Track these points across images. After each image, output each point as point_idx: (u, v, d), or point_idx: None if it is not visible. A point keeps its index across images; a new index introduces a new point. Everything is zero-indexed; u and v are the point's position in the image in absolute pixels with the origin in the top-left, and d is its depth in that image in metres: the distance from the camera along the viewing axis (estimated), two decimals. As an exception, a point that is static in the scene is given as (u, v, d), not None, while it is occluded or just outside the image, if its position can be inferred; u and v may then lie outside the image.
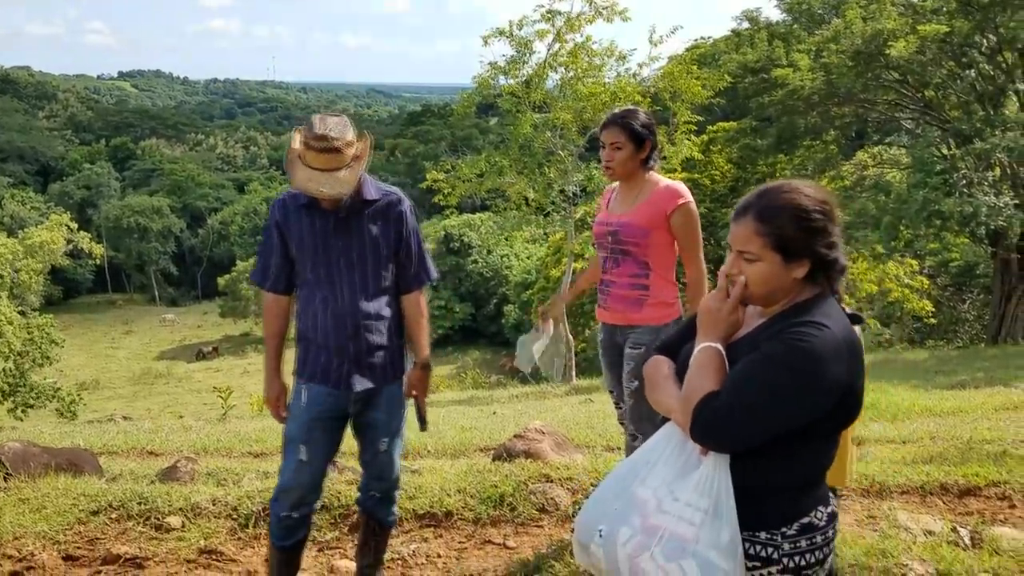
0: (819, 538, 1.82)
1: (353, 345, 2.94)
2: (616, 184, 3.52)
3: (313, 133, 2.75)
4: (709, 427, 1.75)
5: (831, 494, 1.90)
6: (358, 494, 3.26)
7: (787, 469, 1.81)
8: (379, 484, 3.16)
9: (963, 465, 4.44)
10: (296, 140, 2.82)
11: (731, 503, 1.75)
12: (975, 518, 3.81)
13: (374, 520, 3.22)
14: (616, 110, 3.40)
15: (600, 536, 1.86)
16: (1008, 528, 3.60)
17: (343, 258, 2.93)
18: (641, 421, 3.26)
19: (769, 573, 1.81)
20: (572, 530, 3.70)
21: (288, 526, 3.01)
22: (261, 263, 3.03)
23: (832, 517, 1.86)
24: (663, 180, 3.37)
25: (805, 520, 1.81)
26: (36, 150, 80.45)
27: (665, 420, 1.94)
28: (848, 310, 1.88)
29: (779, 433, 1.74)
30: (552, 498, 3.95)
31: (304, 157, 2.78)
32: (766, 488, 1.80)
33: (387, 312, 3.02)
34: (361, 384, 2.98)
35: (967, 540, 3.48)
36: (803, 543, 1.81)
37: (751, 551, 1.80)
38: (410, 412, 3.19)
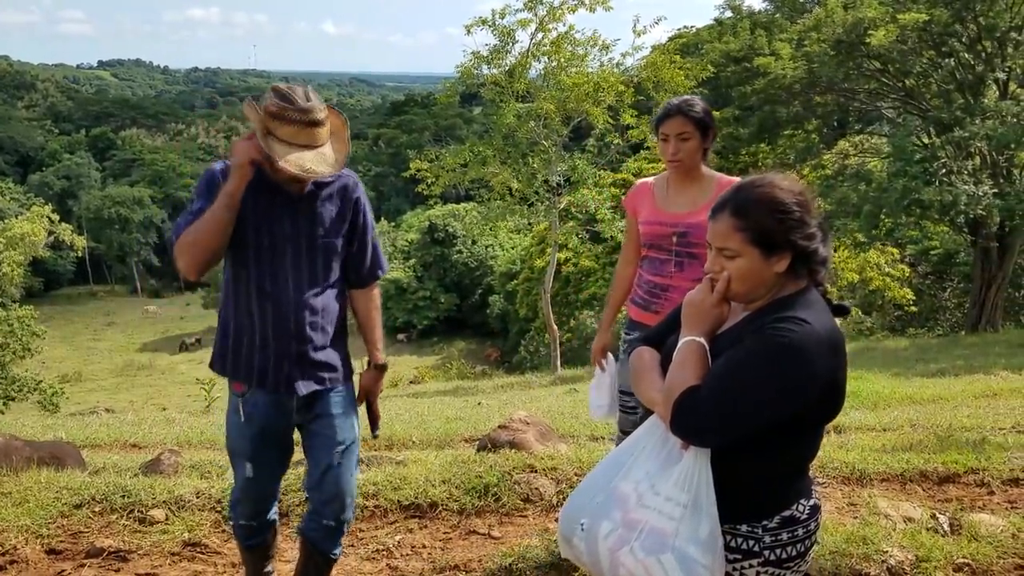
0: (800, 531, 1.83)
1: (296, 344, 2.60)
2: (651, 180, 3.35)
3: (295, 105, 2.40)
4: (689, 422, 1.75)
5: (813, 487, 1.91)
6: (302, 521, 2.85)
7: (768, 463, 1.81)
8: (331, 509, 2.72)
9: (942, 452, 4.50)
10: (257, 111, 2.43)
11: (711, 497, 1.76)
12: (954, 505, 3.86)
13: (319, 554, 2.80)
14: (674, 100, 3.19)
15: (582, 529, 1.88)
16: (986, 515, 3.64)
17: (290, 245, 2.57)
18: None
19: (750, 566, 1.81)
20: (557, 521, 3.73)
21: (249, 531, 2.85)
22: (188, 218, 2.50)
23: (814, 510, 1.87)
24: (720, 174, 3.23)
25: (787, 513, 1.82)
26: (15, 140, 79.59)
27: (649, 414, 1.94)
28: (835, 301, 1.88)
29: (759, 428, 1.74)
30: (536, 488, 3.97)
31: (278, 132, 2.41)
32: (747, 481, 1.81)
33: (335, 307, 2.70)
34: (306, 387, 2.64)
35: (946, 527, 3.52)
36: (784, 536, 1.81)
37: (732, 544, 1.81)
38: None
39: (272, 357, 2.60)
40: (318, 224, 2.61)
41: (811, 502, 1.86)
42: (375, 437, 2.97)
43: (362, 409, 2.90)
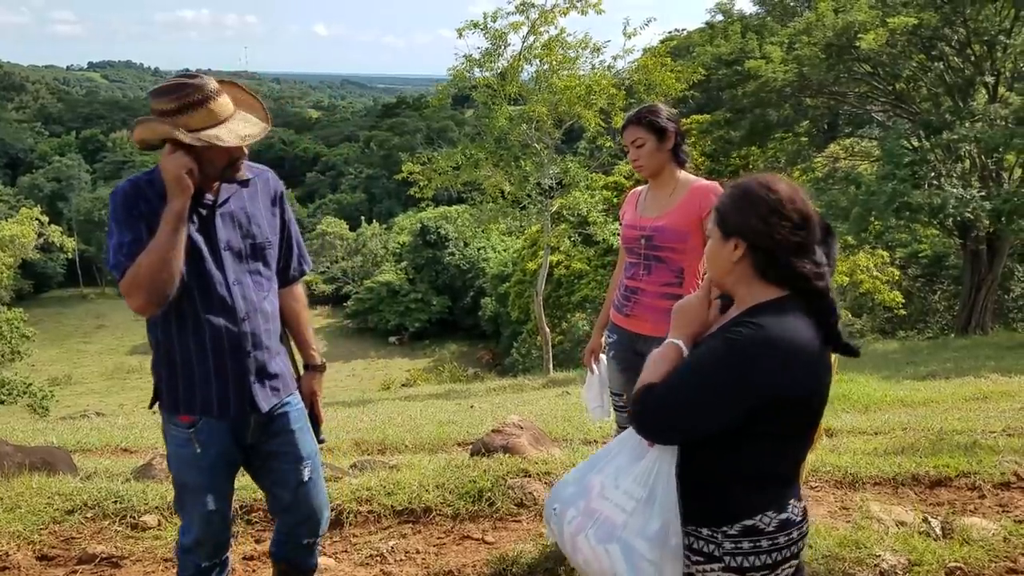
0: (765, 543, 1.81)
1: (255, 355, 2.43)
2: (641, 188, 3.41)
3: (189, 87, 2.22)
4: (643, 416, 1.82)
5: (794, 503, 1.87)
6: (273, 545, 2.75)
7: (728, 467, 1.82)
8: (307, 527, 2.64)
9: (934, 456, 4.51)
10: (158, 123, 2.22)
11: (668, 496, 1.80)
12: (946, 508, 3.88)
13: (297, 572, 2.72)
14: (632, 111, 3.27)
15: (555, 514, 1.99)
16: (978, 518, 3.66)
17: (229, 251, 2.38)
18: None
19: (712, 570, 1.83)
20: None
21: (211, 571, 2.58)
22: (129, 250, 2.24)
23: (785, 524, 1.83)
24: (698, 179, 3.24)
25: (748, 522, 1.81)
26: (5, 142, 79.21)
27: None
28: (844, 339, 1.86)
29: (709, 428, 1.77)
30: (530, 492, 3.97)
31: (191, 123, 2.21)
32: (709, 484, 1.83)
33: (275, 311, 2.54)
34: (268, 402, 2.48)
35: (938, 530, 3.54)
36: (746, 544, 1.81)
37: (695, 546, 1.84)
38: None
39: (231, 379, 2.40)
40: (254, 224, 2.45)
41: (782, 516, 1.83)
42: (321, 443, 2.75)
43: None
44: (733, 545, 1.81)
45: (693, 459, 1.82)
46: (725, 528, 1.81)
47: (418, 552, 3.60)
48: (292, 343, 2.72)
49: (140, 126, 2.26)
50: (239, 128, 2.27)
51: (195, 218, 2.31)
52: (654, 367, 1.86)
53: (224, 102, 2.28)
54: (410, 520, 3.86)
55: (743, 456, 1.80)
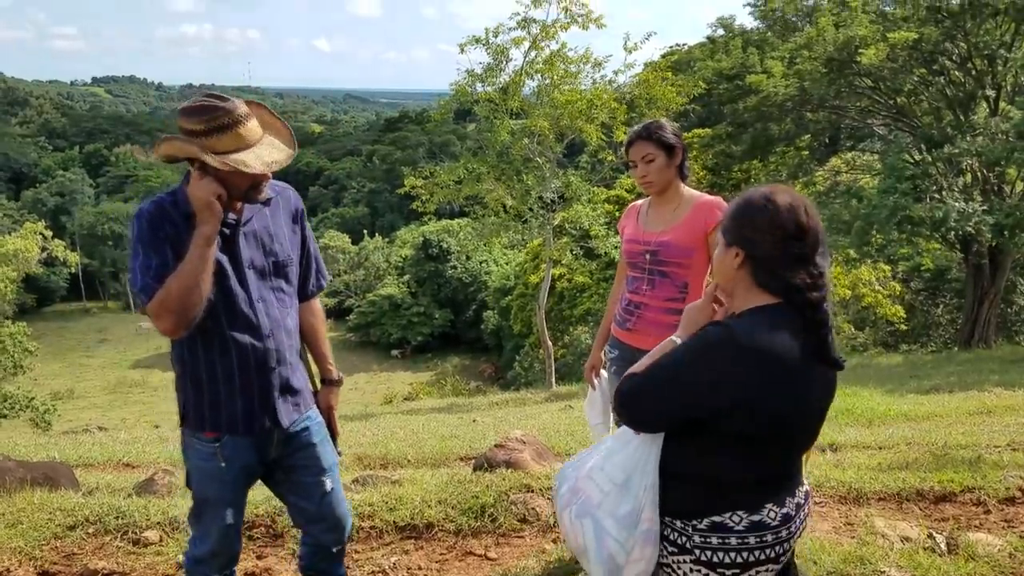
0: (733, 540, 1.88)
1: (280, 372, 2.47)
2: (641, 202, 3.41)
3: (220, 110, 2.23)
4: (621, 403, 1.94)
5: (772, 507, 1.91)
6: (302, 559, 2.81)
7: (700, 465, 1.90)
8: (334, 535, 2.71)
9: (938, 471, 4.49)
10: (185, 143, 2.24)
11: (645, 483, 1.92)
12: (951, 524, 3.86)
13: None
14: (637, 126, 3.26)
15: (555, 491, 2.17)
16: (983, 534, 3.64)
17: (256, 271, 2.43)
18: None
19: (684, 561, 1.92)
20: (554, 542, 3.72)
21: None
22: (156, 273, 2.26)
23: (756, 526, 1.88)
24: (702, 195, 3.25)
25: (716, 519, 1.88)
26: (9, 157, 79.56)
27: None
28: (833, 354, 1.87)
29: (675, 417, 1.88)
30: (533, 508, 3.96)
31: (218, 146, 2.22)
32: (681, 478, 1.92)
33: (296, 326, 2.59)
34: (290, 418, 2.52)
35: (943, 546, 3.52)
36: (714, 540, 1.89)
37: (670, 536, 1.94)
38: None
39: (257, 395, 2.44)
40: (276, 242, 2.48)
41: (754, 517, 1.88)
42: (338, 455, 2.81)
43: None
44: (702, 539, 1.89)
45: (671, 453, 1.92)
46: (695, 522, 1.90)
47: (420, 568, 3.58)
48: (309, 357, 2.76)
49: (167, 143, 2.27)
50: (265, 154, 2.29)
51: (219, 237, 2.32)
52: (646, 360, 1.98)
53: (253, 127, 2.30)
54: (412, 536, 3.84)
55: (714, 455, 1.88)
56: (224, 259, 2.35)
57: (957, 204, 15.69)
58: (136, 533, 3.81)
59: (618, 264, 3.59)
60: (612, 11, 16.93)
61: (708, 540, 1.88)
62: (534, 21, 16.31)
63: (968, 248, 18.34)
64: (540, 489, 4.11)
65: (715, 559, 1.88)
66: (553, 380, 18.39)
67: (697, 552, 1.89)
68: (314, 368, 2.79)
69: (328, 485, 2.63)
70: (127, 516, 3.90)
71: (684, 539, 1.91)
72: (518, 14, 16.28)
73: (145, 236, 2.28)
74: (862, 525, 3.78)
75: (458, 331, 46.92)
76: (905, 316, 21.45)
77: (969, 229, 15.75)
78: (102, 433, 11.68)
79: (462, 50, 16.72)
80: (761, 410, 1.80)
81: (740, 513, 1.88)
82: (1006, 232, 15.69)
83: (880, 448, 5.77)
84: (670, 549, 1.93)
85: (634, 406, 1.92)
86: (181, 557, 3.26)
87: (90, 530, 3.85)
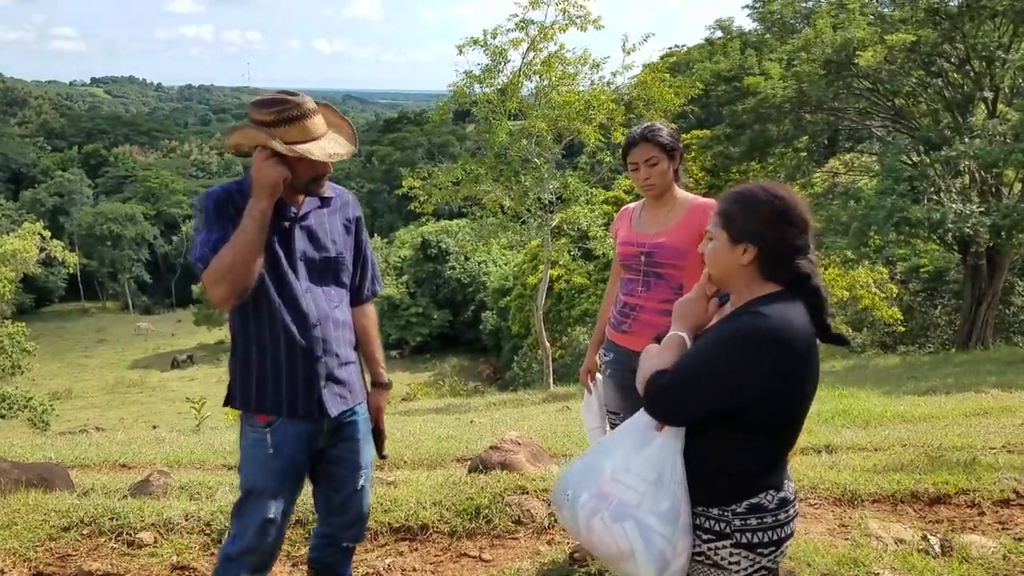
0: (769, 519, 1.96)
1: (326, 360, 2.55)
2: (634, 205, 3.42)
3: (289, 103, 2.40)
4: (655, 399, 1.96)
5: (787, 482, 2.03)
6: (312, 551, 2.85)
7: (734, 452, 1.95)
8: (351, 532, 2.77)
9: (933, 473, 4.50)
10: (255, 131, 2.40)
11: (676, 477, 1.95)
12: (945, 526, 3.86)
13: None
14: (636, 128, 3.26)
15: (567, 499, 2.10)
16: (977, 536, 3.65)
17: (307, 263, 2.55)
18: None
19: (724, 547, 1.96)
20: (549, 543, 3.72)
21: None
22: (214, 245, 2.38)
23: (783, 503, 1.99)
24: (695, 197, 3.27)
25: (754, 500, 1.96)
26: (8, 157, 79.48)
27: None
28: (834, 331, 2.00)
29: (718, 409, 1.90)
30: (528, 510, 3.96)
31: (285, 137, 2.38)
32: (716, 469, 1.96)
33: (351, 322, 2.70)
34: (337, 408, 2.59)
35: (937, 548, 3.52)
36: (753, 521, 1.96)
37: (705, 525, 1.98)
38: None
39: (302, 381, 2.53)
40: (329, 239, 2.61)
41: (781, 495, 1.99)
42: (383, 458, 2.94)
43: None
44: (741, 522, 1.95)
45: (699, 443, 1.96)
46: (734, 507, 1.96)
47: (415, 570, 3.58)
48: (361, 360, 2.83)
49: (237, 132, 2.45)
50: (328, 146, 2.44)
51: (277, 228, 2.48)
52: (661, 354, 2.01)
53: (318, 121, 2.46)
54: (407, 538, 3.85)
55: (747, 439, 1.95)
56: (279, 249, 2.49)
57: (955, 206, 15.69)
58: (131, 535, 3.81)
59: (612, 269, 3.59)
60: (610, 13, 16.93)
61: (747, 522, 1.95)
62: (532, 22, 16.32)
63: (966, 249, 18.34)
64: (535, 491, 4.11)
65: (755, 539, 1.95)
66: (551, 381, 18.39)
67: (737, 535, 1.95)
68: (366, 373, 2.87)
69: (360, 483, 2.73)
70: (122, 517, 3.90)
71: (722, 525, 1.96)
72: (516, 15, 16.30)
73: (210, 213, 2.44)
74: (856, 527, 3.78)
75: (456, 332, 46.89)
76: (902, 318, 21.45)
77: (967, 230, 15.76)
78: (99, 433, 11.67)
79: (460, 51, 16.74)
80: (794, 390, 1.92)
81: (772, 492, 1.98)
82: (1003, 233, 15.70)
83: (875, 450, 5.77)
84: (705, 537, 1.97)
85: (672, 402, 1.93)
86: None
87: (84, 531, 3.85)
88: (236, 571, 2.56)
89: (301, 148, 2.37)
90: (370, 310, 2.87)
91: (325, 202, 2.62)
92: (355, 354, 2.74)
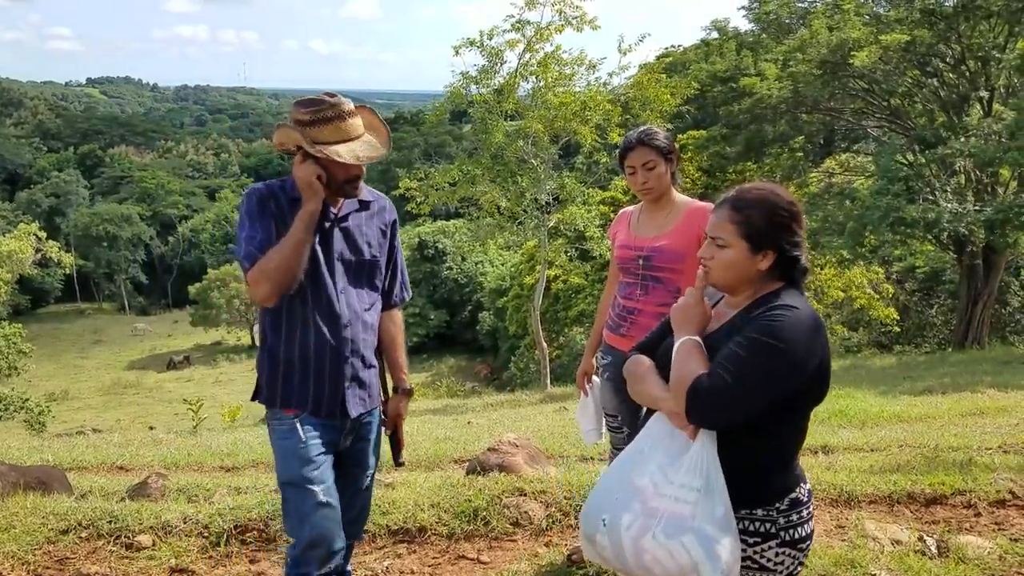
0: (805, 512, 1.98)
1: (352, 361, 2.59)
2: (631, 208, 3.43)
3: (326, 104, 2.46)
4: (704, 405, 1.85)
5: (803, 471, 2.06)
6: None
7: (774, 448, 1.96)
8: (354, 529, 2.78)
9: (930, 474, 4.52)
10: (294, 130, 2.46)
11: (721, 480, 1.87)
12: (941, 527, 3.88)
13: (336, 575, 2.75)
14: (632, 132, 3.26)
15: (604, 525, 1.96)
16: (973, 536, 3.66)
17: (340, 263, 2.58)
18: None
19: (769, 547, 1.94)
20: (547, 546, 3.72)
21: None
22: (260, 244, 2.46)
23: (810, 494, 2.02)
24: (692, 200, 3.28)
25: (793, 495, 1.96)
26: (3, 158, 79.28)
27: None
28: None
29: (764, 408, 1.86)
30: (526, 512, 3.97)
31: (320, 137, 2.44)
32: (757, 467, 1.94)
33: (375, 324, 2.71)
34: (356, 410, 2.64)
35: (934, 549, 3.54)
36: (795, 517, 1.95)
37: (750, 528, 1.94)
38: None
39: (328, 381, 2.56)
40: (365, 241, 2.64)
41: (807, 486, 2.02)
42: (400, 465, 2.99)
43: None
44: (785, 520, 1.94)
45: (734, 445, 1.90)
46: (778, 504, 1.95)
47: (413, 572, 3.59)
48: (385, 364, 2.86)
49: (279, 130, 2.52)
50: (358, 149, 2.49)
51: (317, 229, 2.52)
52: (690, 360, 1.92)
53: (355, 123, 2.51)
54: (405, 540, 3.85)
55: (783, 435, 1.96)
56: (318, 248, 2.54)
57: (950, 205, 15.73)
58: (129, 537, 3.82)
59: (609, 272, 3.60)
60: (606, 13, 16.92)
61: (790, 518, 1.94)
62: (528, 23, 16.30)
63: (961, 249, 18.38)
64: (532, 493, 4.12)
65: (796, 535, 1.95)
66: (548, 381, 18.39)
67: (782, 534, 1.94)
68: (388, 378, 2.89)
69: (365, 482, 2.78)
70: (120, 520, 3.91)
71: (768, 525, 1.94)
72: (512, 16, 16.29)
73: (254, 210, 2.51)
74: (853, 528, 3.79)
75: (454, 332, 46.84)
76: (898, 318, 21.48)
77: (962, 230, 15.80)
78: (96, 435, 11.67)
79: (456, 52, 16.71)
80: (826, 374, 1.94)
81: (803, 485, 2.00)
82: (996, 228, 15.72)
83: (872, 450, 5.79)
84: (751, 540, 1.93)
85: (716, 406, 1.84)
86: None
87: (83, 534, 3.85)
88: (306, 570, 2.54)
89: (329, 149, 2.43)
90: (398, 316, 2.89)
91: (364, 205, 2.67)
92: (378, 359, 2.77)
